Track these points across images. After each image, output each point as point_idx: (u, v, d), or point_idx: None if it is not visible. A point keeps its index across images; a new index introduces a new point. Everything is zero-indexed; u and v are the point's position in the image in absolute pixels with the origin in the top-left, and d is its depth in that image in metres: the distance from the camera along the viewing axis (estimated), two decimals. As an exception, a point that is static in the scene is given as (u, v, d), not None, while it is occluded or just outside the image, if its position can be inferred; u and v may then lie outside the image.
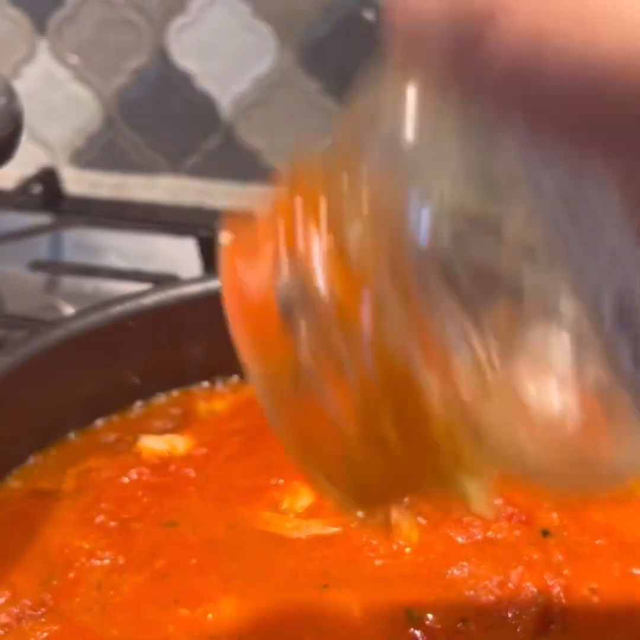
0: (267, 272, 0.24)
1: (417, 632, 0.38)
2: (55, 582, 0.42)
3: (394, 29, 0.20)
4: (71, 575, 0.42)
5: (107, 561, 0.43)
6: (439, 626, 0.38)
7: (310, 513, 0.44)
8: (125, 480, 0.47)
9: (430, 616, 0.38)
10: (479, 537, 0.42)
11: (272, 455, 0.46)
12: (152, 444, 0.49)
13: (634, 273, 0.20)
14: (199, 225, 0.72)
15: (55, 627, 0.40)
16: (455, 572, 0.40)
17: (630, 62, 0.16)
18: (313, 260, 0.23)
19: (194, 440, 0.49)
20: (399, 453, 0.24)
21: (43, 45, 0.85)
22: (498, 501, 0.43)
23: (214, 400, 0.53)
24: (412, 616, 0.38)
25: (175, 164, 0.86)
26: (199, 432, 0.50)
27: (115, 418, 0.52)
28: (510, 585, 0.40)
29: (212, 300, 0.51)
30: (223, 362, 0.53)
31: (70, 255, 0.77)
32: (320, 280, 0.23)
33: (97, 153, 0.88)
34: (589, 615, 0.39)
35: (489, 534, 0.42)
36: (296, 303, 0.23)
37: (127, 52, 0.83)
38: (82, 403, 0.51)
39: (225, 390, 0.53)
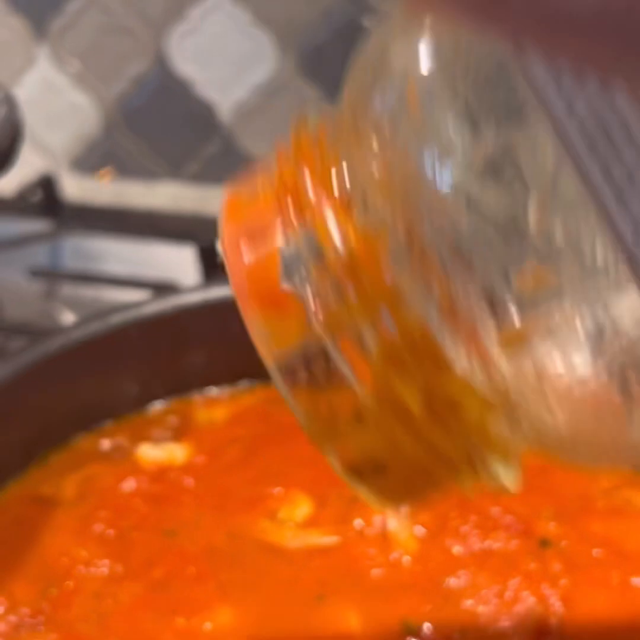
0: (273, 236, 0.22)
1: (415, 642, 0.38)
2: (53, 591, 0.42)
3: None
4: (69, 583, 0.42)
5: (105, 570, 0.43)
6: (437, 636, 0.38)
7: (309, 522, 0.44)
8: (124, 488, 0.47)
9: (427, 626, 0.38)
10: (477, 547, 0.42)
11: (271, 464, 0.47)
12: (151, 452, 0.49)
13: None
14: (199, 232, 0.72)
15: (53, 636, 0.40)
16: (453, 582, 0.40)
17: None
18: (325, 215, 0.21)
19: (193, 449, 0.49)
20: (424, 429, 0.22)
21: (43, 52, 0.86)
22: (496, 509, 0.43)
23: (213, 408, 0.53)
24: (409, 626, 0.38)
25: (175, 171, 0.86)
26: (197, 440, 0.50)
27: (114, 426, 0.52)
28: (508, 595, 0.40)
29: (212, 309, 0.52)
30: (222, 371, 0.53)
31: (70, 262, 0.77)
32: (335, 234, 0.21)
33: (97, 160, 0.88)
34: (587, 626, 0.39)
35: (487, 543, 0.42)
36: (307, 263, 0.22)
37: (127, 59, 0.83)
38: (82, 410, 0.51)
39: (224, 399, 0.53)
